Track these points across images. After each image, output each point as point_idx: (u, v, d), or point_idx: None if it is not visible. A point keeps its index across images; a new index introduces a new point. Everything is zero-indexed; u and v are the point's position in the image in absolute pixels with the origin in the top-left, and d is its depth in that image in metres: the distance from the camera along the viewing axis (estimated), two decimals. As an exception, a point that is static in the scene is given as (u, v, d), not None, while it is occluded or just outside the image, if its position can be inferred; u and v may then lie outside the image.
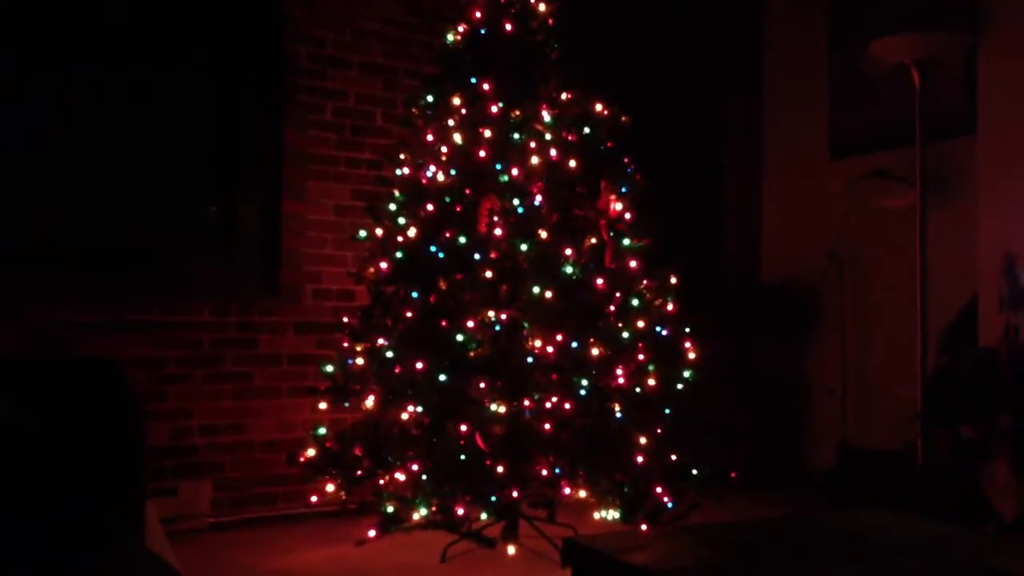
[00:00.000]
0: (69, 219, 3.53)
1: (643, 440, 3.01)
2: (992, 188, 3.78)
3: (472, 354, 2.98)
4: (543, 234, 3.03)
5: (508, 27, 3.23)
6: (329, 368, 3.24)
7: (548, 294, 2.97)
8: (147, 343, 3.47)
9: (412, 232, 3.16)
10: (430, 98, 3.28)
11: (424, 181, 3.21)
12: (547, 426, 2.95)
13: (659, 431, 3.06)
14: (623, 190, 3.24)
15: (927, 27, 3.96)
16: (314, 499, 3.39)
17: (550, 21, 3.29)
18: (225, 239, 3.82)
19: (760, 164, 5.14)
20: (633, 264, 3.19)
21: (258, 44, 3.84)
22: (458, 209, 3.14)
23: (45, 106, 3.51)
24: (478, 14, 3.28)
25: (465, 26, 3.29)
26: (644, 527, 2.92)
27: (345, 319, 3.35)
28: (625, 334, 3.09)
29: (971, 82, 3.98)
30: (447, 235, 3.09)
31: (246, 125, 3.84)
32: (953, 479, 3.42)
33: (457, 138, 3.18)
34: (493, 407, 2.93)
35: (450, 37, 3.30)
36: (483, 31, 3.26)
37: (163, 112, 3.73)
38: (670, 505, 3.00)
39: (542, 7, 3.29)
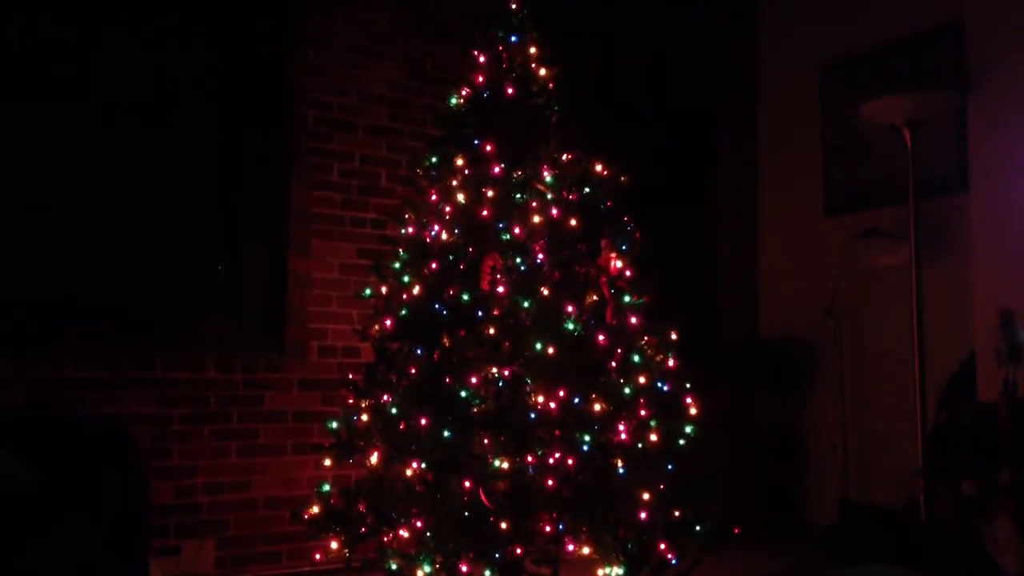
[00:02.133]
0: (74, 275, 3.56)
1: (646, 496, 3.01)
2: (985, 244, 3.82)
3: (475, 410, 2.99)
4: (545, 291, 3.07)
5: (510, 91, 3.31)
6: (334, 424, 3.26)
7: (550, 350, 2.99)
8: (152, 400, 3.48)
9: (416, 290, 3.20)
10: (434, 159, 3.34)
11: (428, 240, 3.26)
12: (550, 482, 2.94)
13: (662, 487, 3.06)
14: (623, 248, 3.27)
15: (916, 88, 4.05)
16: (318, 557, 3.38)
17: (550, 85, 3.36)
18: (231, 295, 3.86)
19: (756, 221, 5.21)
20: (634, 320, 3.22)
21: (267, 108, 3.93)
22: (461, 267, 3.17)
23: (48, 159, 3.54)
24: (480, 78, 3.36)
25: (468, 90, 3.36)
26: (648, 583, 2.91)
27: (350, 375, 3.38)
28: (627, 390, 3.10)
29: (962, 140, 4.06)
30: (451, 292, 3.13)
31: (253, 184, 3.92)
32: (955, 535, 3.42)
33: (460, 198, 3.24)
34: (496, 463, 2.93)
35: (453, 100, 3.37)
36: (485, 94, 3.33)
37: (171, 169, 3.80)
38: (673, 561, 2.99)
39: (543, 71, 3.37)
